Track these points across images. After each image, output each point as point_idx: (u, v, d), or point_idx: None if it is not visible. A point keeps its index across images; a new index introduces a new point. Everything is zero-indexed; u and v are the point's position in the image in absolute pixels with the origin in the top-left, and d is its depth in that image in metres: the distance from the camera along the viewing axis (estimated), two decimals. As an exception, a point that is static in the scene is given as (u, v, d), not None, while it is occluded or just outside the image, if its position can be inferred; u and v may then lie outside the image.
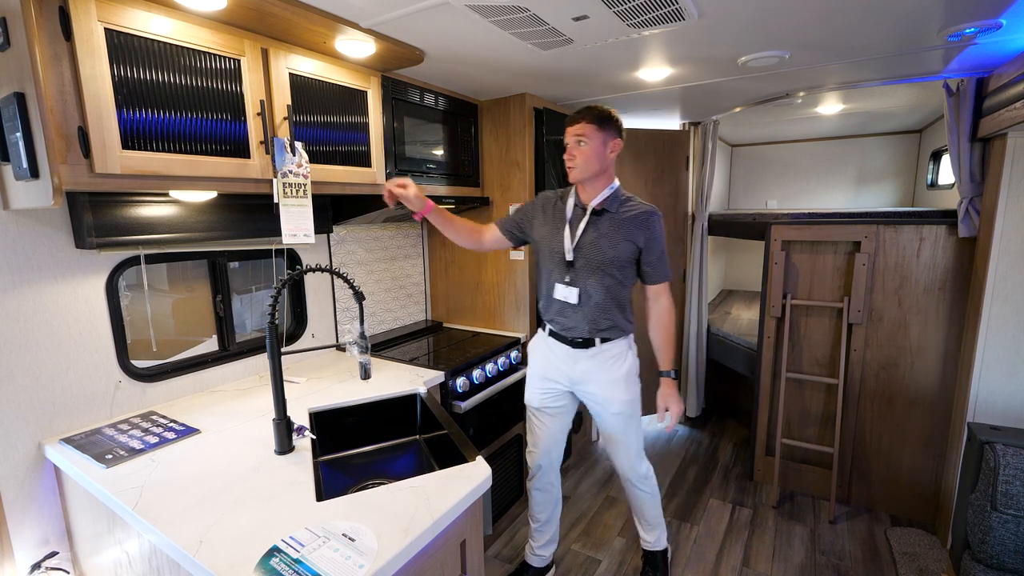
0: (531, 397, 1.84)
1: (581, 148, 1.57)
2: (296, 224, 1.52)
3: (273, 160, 1.45)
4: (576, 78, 2.07)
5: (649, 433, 3.33)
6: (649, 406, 3.34)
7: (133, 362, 1.53)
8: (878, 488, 2.43)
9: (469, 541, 1.13)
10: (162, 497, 1.07)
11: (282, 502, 1.04)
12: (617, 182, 1.67)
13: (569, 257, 1.63)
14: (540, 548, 1.95)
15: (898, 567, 2.03)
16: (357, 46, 1.54)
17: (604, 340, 1.68)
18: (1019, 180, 1.85)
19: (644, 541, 1.99)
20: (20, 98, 1.04)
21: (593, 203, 1.62)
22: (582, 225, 1.62)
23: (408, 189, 1.60)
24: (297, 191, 1.51)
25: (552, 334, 1.75)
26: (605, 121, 1.57)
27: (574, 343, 1.69)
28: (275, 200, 1.47)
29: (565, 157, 1.62)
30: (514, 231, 1.79)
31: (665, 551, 1.99)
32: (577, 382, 1.74)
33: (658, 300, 1.71)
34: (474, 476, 1.12)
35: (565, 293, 1.65)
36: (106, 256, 1.45)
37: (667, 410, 1.71)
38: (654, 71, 1.96)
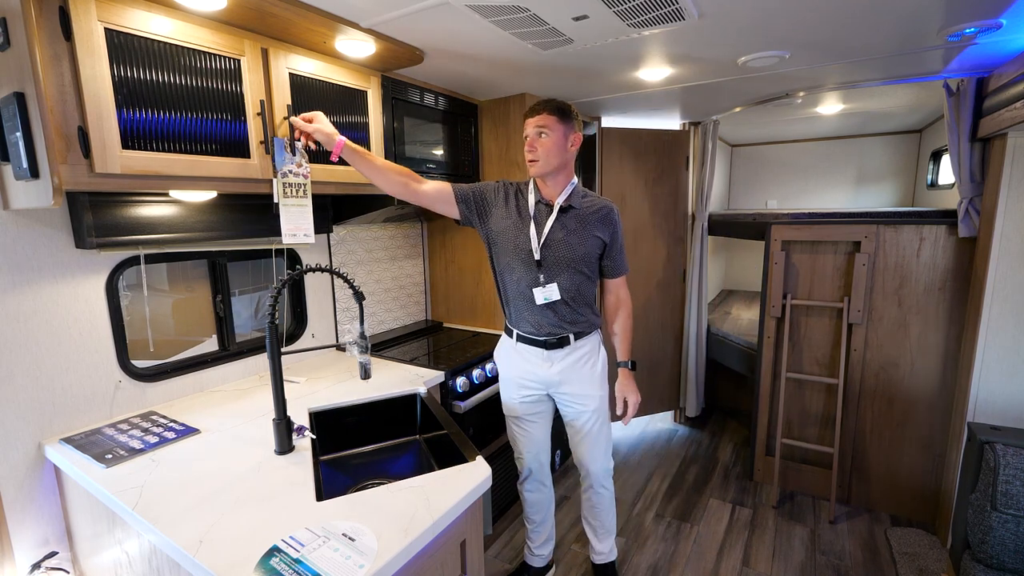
0: (511, 407, 1.78)
1: (543, 140, 1.51)
2: (296, 224, 1.52)
3: (273, 160, 1.45)
4: (576, 78, 2.07)
5: (649, 433, 3.33)
6: (645, 406, 3.36)
7: (133, 362, 1.53)
8: (878, 488, 2.43)
9: (469, 541, 1.13)
10: (162, 497, 1.07)
11: (282, 502, 1.04)
12: (576, 178, 1.62)
13: (537, 256, 1.57)
14: (538, 548, 1.94)
15: (898, 567, 2.03)
16: (357, 46, 1.54)
17: (578, 336, 1.65)
18: (1019, 180, 1.85)
19: (596, 553, 1.92)
20: (20, 98, 1.04)
21: (560, 200, 1.57)
22: (549, 223, 1.57)
23: (315, 122, 1.44)
24: (297, 191, 1.50)
25: (522, 339, 1.68)
26: (566, 113, 1.52)
27: (548, 344, 1.64)
28: (275, 200, 1.47)
29: (526, 150, 1.55)
30: (471, 206, 1.61)
31: (615, 562, 1.95)
32: (553, 384, 1.69)
33: (617, 294, 1.72)
34: (474, 476, 1.12)
35: (546, 294, 1.58)
36: (106, 256, 1.45)
37: (625, 400, 1.70)
38: (654, 71, 1.96)
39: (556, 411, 1.85)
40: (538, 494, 1.89)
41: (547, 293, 1.59)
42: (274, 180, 1.46)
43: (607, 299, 1.74)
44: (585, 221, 1.58)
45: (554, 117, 1.51)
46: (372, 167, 1.51)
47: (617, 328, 1.73)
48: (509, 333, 1.73)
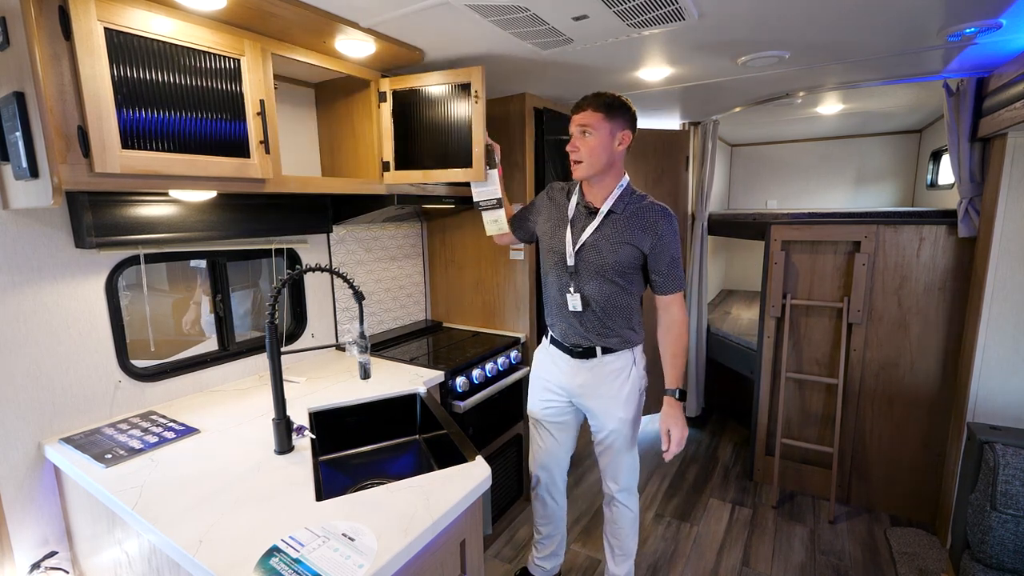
0: (532, 406, 1.77)
1: (586, 139, 1.43)
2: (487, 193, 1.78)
3: (481, 188, 1.76)
4: (576, 78, 2.06)
5: (649, 433, 3.33)
6: (650, 406, 3.35)
7: (133, 362, 1.53)
8: (878, 488, 2.43)
9: (469, 541, 1.13)
10: (162, 497, 1.07)
11: (282, 502, 1.04)
12: (627, 178, 1.52)
13: (570, 261, 1.51)
14: (541, 559, 1.90)
15: (898, 567, 2.03)
16: (357, 46, 1.54)
17: (605, 351, 1.56)
18: (1019, 180, 1.85)
19: (612, 573, 1.79)
20: (20, 98, 1.04)
21: (605, 206, 1.49)
22: (590, 227, 1.50)
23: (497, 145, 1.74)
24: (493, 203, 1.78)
25: (553, 341, 1.67)
26: (614, 109, 1.42)
27: (574, 352, 1.59)
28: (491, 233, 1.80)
29: (568, 149, 1.47)
30: (524, 229, 1.74)
31: None
32: (576, 395, 1.65)
33: (668, 311, 1.53)
34: (474, 476, 1.12)
35: (573, 303, 1.54)
36: (106, 256, 1.45)
37: (668, 432, 1.52)
38: (654, 71, 1.96)
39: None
40: (545, 506, 1.84)
41: (573, 303, 1.54)
42: (485, 215, 1.77)
43: (658, 316, 1.57)
44: (623, 227, 1.47)
45: (599, 114, 1.42)
46: (506, 205, 1.77)
47: (666, 353, 1.54)
48: (546, 333, 1.73)
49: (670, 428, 1.51)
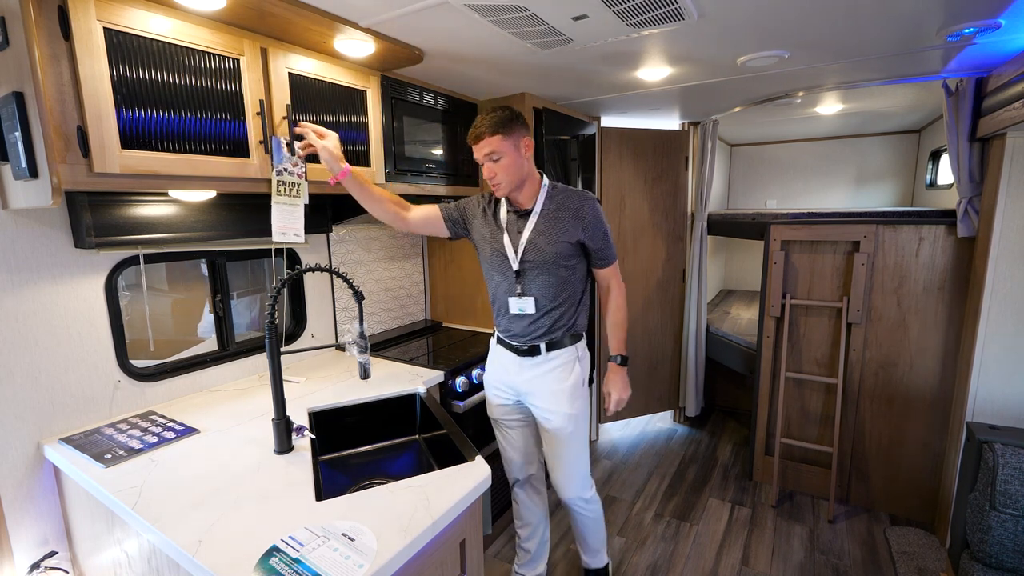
0: (490, 409, 1.78)
1: (498, 164, 1.47)
2: (286, 223, 1.51)
3: (271, 157, 1.45)
4: (576, 78, 2.07)
5: (648, 433, 3.33)
6: (645, 406, 3.36)
7: (132, 362, 1.53)
8: (877, 487, 2.43)
9: (469, 541, 1.13)
10: (161, 497, 1.07)
11: (281, 502, 1.04)
12: (546, 179, 1.57)
13: (515, 266, 1.54)
14: (522, 566, 1.89)
15: (897, 566, 2.03)
16: (356, 46, 1.54)
17: (551, 347, 1.58)
18: (1018, 180, 1.85)
19: (585, 561, 1.88)
20: (19, 97, 1.04)
21: (536, 206, 1.54)
22: (525, 229, 1.54)
23: (326, 139, 1.48)
24: (291, 190, 1.49)
25: (500, 341, 1.68)
26: (507, 125, 1.46)
27: (519, 351, 1.61)
28: (271, 197, 1.48)
29: (486, 177, 1.50)
30: (456, 223, 1.66)
31: (607, 566, 1.90)
32: (523, 393, 1.66)
33: (608, 283, 1.64)
34: (474, 476, 1.12)
35: (521, 305, 1.56)
36: (105, 256, 1.45)
37: (609, 394, 1.65)
38: (654, 71, 1.96)
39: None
40: (522, 506, 1.84)
41: (522, 305, 1.56)
42: (271, 176, 1.46)
43: (599, 290, 1.68)
44: (555, 220, 1.53)
45: (497, 136, 1.45)
46: (370, 196, 1.56)
47: (609, 321, 1.66)
48: (494, 332, 1.74)
49: (611, 391, 1.65)
